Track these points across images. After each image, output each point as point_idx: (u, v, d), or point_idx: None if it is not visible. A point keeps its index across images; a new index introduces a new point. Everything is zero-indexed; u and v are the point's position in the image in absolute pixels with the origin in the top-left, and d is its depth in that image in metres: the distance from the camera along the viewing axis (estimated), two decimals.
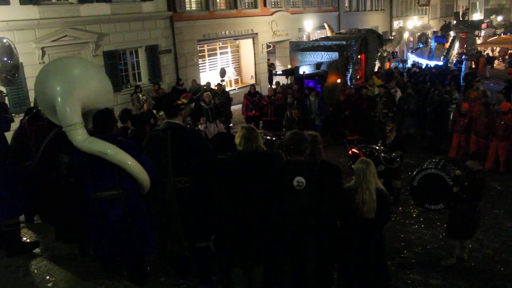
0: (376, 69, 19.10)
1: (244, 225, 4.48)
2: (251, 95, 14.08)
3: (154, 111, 11.81)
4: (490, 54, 32.48)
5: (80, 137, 4.59)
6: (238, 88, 21.41)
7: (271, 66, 22.71)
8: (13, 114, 6.47)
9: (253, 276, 4.79)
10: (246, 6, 21.33)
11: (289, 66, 16.38)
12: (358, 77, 16.55)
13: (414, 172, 8.22)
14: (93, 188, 4.79)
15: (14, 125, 6.27)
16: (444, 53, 27.90)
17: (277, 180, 4.12)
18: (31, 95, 11.17)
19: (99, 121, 4.78)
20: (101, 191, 4.74)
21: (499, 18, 51.13)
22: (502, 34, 38.58)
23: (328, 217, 4.21)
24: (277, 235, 4.11)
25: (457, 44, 29.65)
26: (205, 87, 16.22)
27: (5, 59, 6.16)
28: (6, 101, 6.27)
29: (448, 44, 28.80)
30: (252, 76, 22.35)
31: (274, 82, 17.88)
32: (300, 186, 3.97)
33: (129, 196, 4.76)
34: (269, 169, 4.34)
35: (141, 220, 4.84)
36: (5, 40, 6.36)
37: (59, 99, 4.76)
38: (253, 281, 4.79)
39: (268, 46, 23.29)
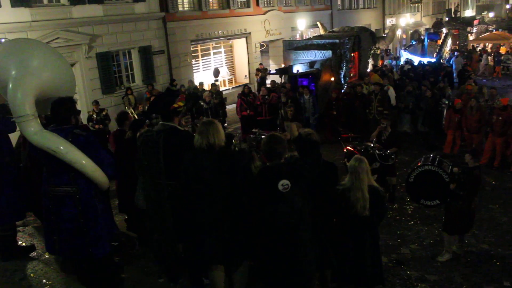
0: (370, 67, 19.12)
1: (212, 224, 4.35)
2: (245, 95, 14.08)
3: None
4: (488, 51, 32.57)
5: (32, 128, 4.37)
6: (232, 87, 21.41)
7: (262, 72, 20.50)
8: None
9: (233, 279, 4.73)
10: (239, 6, 21.33)
11: (283, 65, 16.38)
12: (351, 75, 16.57)
13: (410, 169, 8.25)
14: (47, 181, 4.63)
15: None
16: (437, 50, 28.02)
17: (261, 186, 4.03)
18: None
19: (57, 111, 4.56)
20: (54, 186, 4.58)
21: (491, 15, 51.36)
22: (494, 30, 38.75)
23: (315, 213, 4.18)
24: (270, 239, 4.05)
25: (449, 41, 29.77)
26: (198, 87, 16.26)
27: None
28: None
29: (441, 41, 28.92)
30: (246, 76, 22.35)
31: (269, 82, 17.52)
32: (286, 188, 3.90)
33: (84, 194, 4.59)
34: (230, 165, 4.23)
35: (94, 220, 4.68)
36: (3, 40, 6.27)
37: (10, 85, 4.44)
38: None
39: (261, 46, 23.27)
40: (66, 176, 4.55)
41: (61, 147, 4.33)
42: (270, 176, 3.99)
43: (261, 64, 21.52)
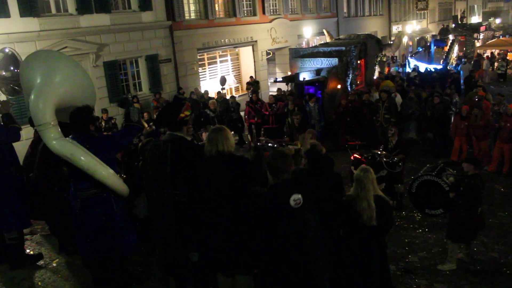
0: (376, 74, 19.09)
1: (221, 230, 4.33)
2: (253, 102, 14.11)
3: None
4: (489, 56, 32.49)
5: (52, 135, 4.51)
6: (239, 95, 21.42)
7: (253, 85, 19.81)
8: None
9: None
10: (245, 14, 21.42)
11: (289, 73, 16.40)
12: (358, 82, 16.56)
13: (412, 179, 8.27)
14: (74, 186, 4.80)
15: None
16: (444, 57, 27.94)
17: (271, 204, 3.87)
18: None
19: (76, 120, 4.72)
20: (81, 191, 4.74)
21: (498, 21, 51.26)
22: (501, 37, 38.66)
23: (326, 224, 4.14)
24: (283, 257, 3.89)
25: (456, 48, 29.69)
26: (205, 96, 16.34)
27: (12, 68, 6.10)
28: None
29: (447, 47, 28.84)
30: None
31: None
32: (298, 204, 3.73)
33: (108, 193, 4.78)
34: (238, 171, 4.17)
35: (117, 218, 4.86)
36: (7, 50, 6.31)
37: (32, 95, 4.62)
38: None
39: (267, 54, 23.33)
40: (91, 180, 4.66)
41: (77, 155, 4.46)
42: (281, 193, 3.83)
43: (251, 77, 21.18)
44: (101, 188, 4.71)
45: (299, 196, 3.74)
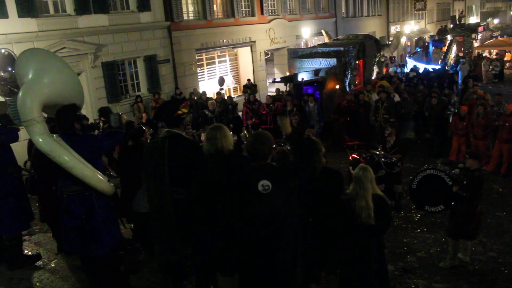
0: (375, 74, 19.10)
1: (219, 229, 4.33)
2: (251, 103, 14.11)
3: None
4: (488, 57, 32.54)
5: (37, 130, 4.57)
6: (237, 96, 21.44)
7: (250, 88, 19.80)
8: None
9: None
10: (244, 15, 21.43)
11: (288, 73, 16.41)
12: (356, 82, 16.57)
13: (413, 175, 8.22)
14: (61, 182, 4.86)
15: None
16: (442, 57, 27.98)
17: (242, 185, 3.90)
18: None
19: (60, 118, 4.79)
20: (67, 187, 4.81)
21: (496, 21, 51.28)
22: (499, 37, 38.71)
23: (303, 219, 4.10)
24: (249, 241, 3.90)
25: (454, 48, 29.74)
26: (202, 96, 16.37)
27: (9, 69, 6.09)
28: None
29: (446, 47, 28.89)
30: None
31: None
32: (266, 190, 3.74)
33: (91, 192, 4.83)
34: (237, 170, 4.14)
35: (98, 218, 4.89)
36: (3, 50, 6.30)
37: (21, 92, 4.69)
38: None
39: (266, 54, 23.32)
40: (72, 178, 4.70)
41: (57, 152, 4.51)
42: (252, 176, 3.86)
43: (249, 79, 21.17)
44: (84, 186, 4.74)
45: (268, 182, 3.76)
